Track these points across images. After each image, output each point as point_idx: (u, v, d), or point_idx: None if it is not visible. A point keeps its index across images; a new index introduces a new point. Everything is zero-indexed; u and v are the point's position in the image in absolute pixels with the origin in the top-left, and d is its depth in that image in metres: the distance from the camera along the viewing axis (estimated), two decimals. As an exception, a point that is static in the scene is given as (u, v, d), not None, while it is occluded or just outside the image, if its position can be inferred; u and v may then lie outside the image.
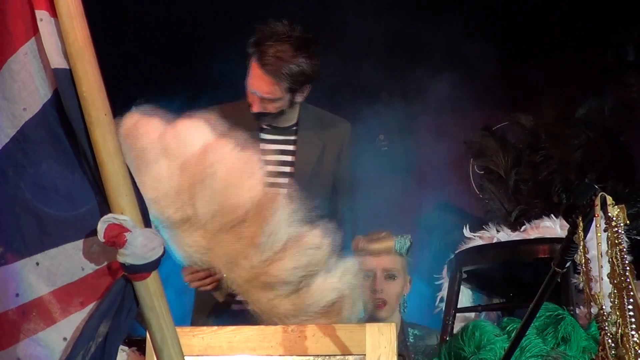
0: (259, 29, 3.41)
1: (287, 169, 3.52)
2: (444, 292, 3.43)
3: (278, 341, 2.53)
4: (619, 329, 1.73)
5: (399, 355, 2.58)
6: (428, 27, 4.84)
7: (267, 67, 3.32)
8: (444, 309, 3.25)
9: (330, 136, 3.60)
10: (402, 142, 5.67)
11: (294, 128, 3.58)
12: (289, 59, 3.32)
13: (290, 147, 3.55)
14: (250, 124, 3.44)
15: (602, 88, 4.81)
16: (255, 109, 3.42)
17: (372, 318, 3.46)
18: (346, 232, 3.69)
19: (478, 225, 3.61)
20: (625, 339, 1.72)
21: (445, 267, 3.42)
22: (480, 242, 3.39)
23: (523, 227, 3.38)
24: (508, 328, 2.74)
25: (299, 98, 3.46)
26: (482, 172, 4.94)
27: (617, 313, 1.73)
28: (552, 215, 3.39)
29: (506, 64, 5.31)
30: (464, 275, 3.21)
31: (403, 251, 3.50)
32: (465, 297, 3.45)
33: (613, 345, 1.73)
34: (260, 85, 3.37)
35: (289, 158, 3.54)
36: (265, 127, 3.54)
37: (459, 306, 3.22)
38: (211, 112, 3.13)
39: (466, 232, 3.49)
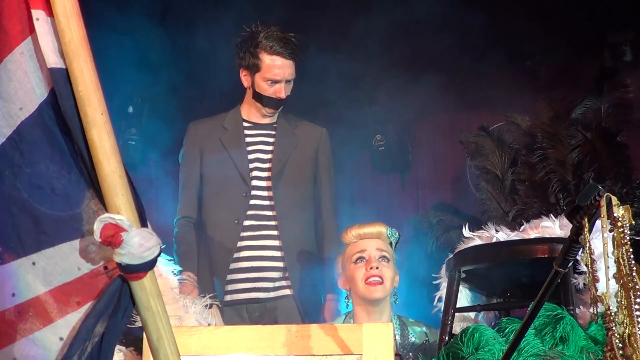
0: (249, 32, 3.96)
1: (268, 156, 4.02)
2: (442, 292, 3.42)
3: (275, 341, 2.52)
4: (626, 329, 1.73)
5: (396, 355, 2.57)
6: (426, 26, 4.83)
7: (291, 53, 3.91)
8: (442, 308, 3.25)
9: (306, 135, 4.13)
10: (399, 142, 5.66)
11: (274, 125, 4.10)
12: (292, 39, 3.93)
13: (270, 140, 4.07)
14: (235, 125, 4.06)
15: (598, 88, 4.79)
16: (284, 94, 3.95)
17: (367, 300, 3.44)
18: (332, 229, 4.04)
19: (476, 225, 3.61)
20: (632, 338, 1.72)
21: (444, 266, 3.41)
22: (479, 242, 3.38)
23: (522, 227, 3.37)
24: (507, 329, 2.74)
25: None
26: (479, 172, 4.93)
27: (624, 313, 1.73)
28: (551, 215, 3.38)
29: (502, 64, 5.30)
30: (463, 275, 3.20)
31: (393, 239, 3.52)
32: (464, 296, 3.44)
33: (620, 345, 1.72)
34: (286, 71, 3.92)
35: (269, 147, 4.05)
36: (248, 125, 4.08)
37: (457, 306, 3.22)
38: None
39: (465, 232, 3.48)
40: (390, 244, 3.52)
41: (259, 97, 3.99)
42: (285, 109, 4.12)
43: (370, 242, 3.48)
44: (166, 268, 3.38)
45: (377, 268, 3.42)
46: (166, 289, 3.17)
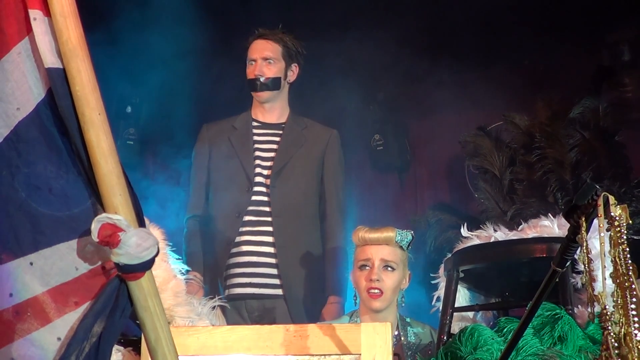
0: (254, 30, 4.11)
1: (271, 154, 4.06)
2: (440, 292, 3.42)
3: (273, 340, 2.52)
4: (622, 328, 1.72)
5: (394, 354, 2.57)
6: (423, 25, 4.84)
7: (268, 36, 4.05)
8: (440, 308, 3.24)
9: (314, 137, 4.14)
10: (397, 142, 5.66)
11: (282, 125, 4.14)
12: (282, 35, 4.07)
13: (277, 139, 4.11)
14: (245, 125, 4.12)
15: (597, 88, 4.81)
16: (257, 71, 4.04)
17: (366, 309, 3.44)
18: (338, 230, 4.03)
19: (474, 225, 3.60)
20: (628, 338, 1.71)
21: (442, 266, 3.41)
22: (477, 242, 3.38)
23: (520, 227, 3.37)
24: (506, 328, 2.74)
25: (290, 75, 4.12)
26: (477, 172, 4.94)
27: (620, 312, 1.73)
28: (550, 214, 3.38)
29: (500, 63, 5.31)
30: (461, 275, 3.20)
31: (404, 243, 3.46)
32: (462, 296, 3.44)
33: (616, 344, 1.72)
34: (261, 49, 4.05)
35: (274, 146, 4.09)
36: (257, 124, 4.13)
37: (455, 306, 3.21)
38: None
39: (463, 231, 3.47)
40: (401, 247, 3.49)
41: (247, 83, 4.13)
42: (295, 110, 4.17)
43: (376, 250, 3.45)
44: (174, 267, 3.39)
45: (377, 280, 3.40)
46: (179, 291, 3.19)
